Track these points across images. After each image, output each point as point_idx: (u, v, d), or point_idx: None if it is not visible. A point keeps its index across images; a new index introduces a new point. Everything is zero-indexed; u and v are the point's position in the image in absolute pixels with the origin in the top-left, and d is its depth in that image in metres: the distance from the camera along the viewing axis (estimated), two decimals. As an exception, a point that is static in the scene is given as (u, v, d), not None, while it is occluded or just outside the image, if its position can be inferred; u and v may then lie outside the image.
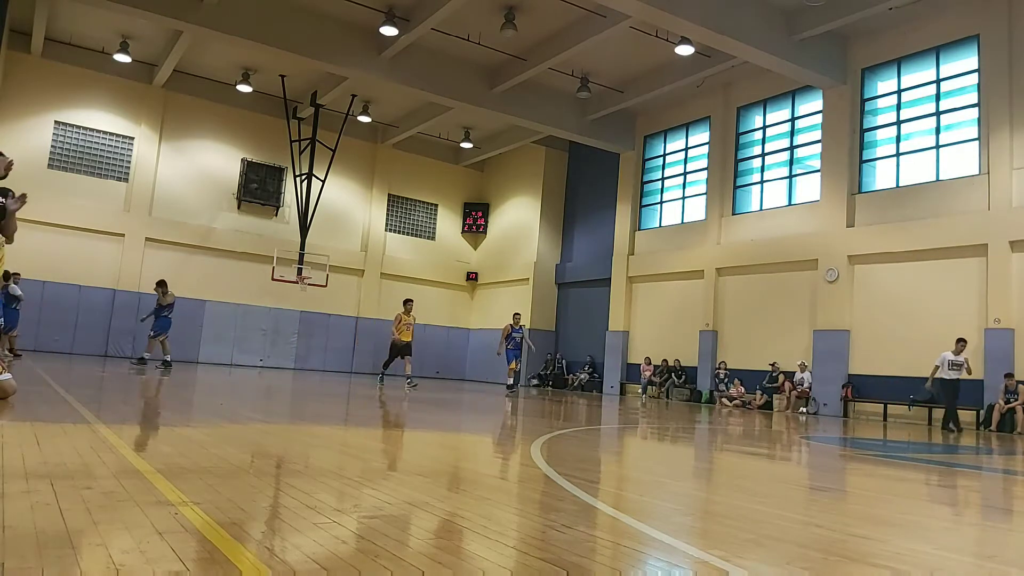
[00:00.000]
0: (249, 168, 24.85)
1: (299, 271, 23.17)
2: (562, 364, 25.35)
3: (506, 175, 29.01)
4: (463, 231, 29.72)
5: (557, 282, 26.94)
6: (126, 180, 22.91)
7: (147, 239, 22.98)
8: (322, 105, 23.39)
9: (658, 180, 23.79)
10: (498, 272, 28.35)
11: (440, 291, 28.87)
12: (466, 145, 26.85)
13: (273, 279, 22.88)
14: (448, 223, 29.50)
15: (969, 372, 13.36)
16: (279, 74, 22.23)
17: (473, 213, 29.62)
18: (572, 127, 22.79)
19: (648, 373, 21.56)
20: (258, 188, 24.97)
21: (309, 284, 23.18)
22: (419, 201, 28.77)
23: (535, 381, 25.35)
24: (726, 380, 19.39)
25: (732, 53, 17.09)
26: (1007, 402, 13.89)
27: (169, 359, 15.73)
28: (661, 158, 23.77)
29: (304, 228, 23.72)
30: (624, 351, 23.25)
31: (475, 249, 29.95)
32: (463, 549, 2.29)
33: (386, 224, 27.83)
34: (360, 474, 3.72)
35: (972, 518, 3.99)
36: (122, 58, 21.00)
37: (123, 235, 22.60)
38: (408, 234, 28.47)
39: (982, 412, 14.56)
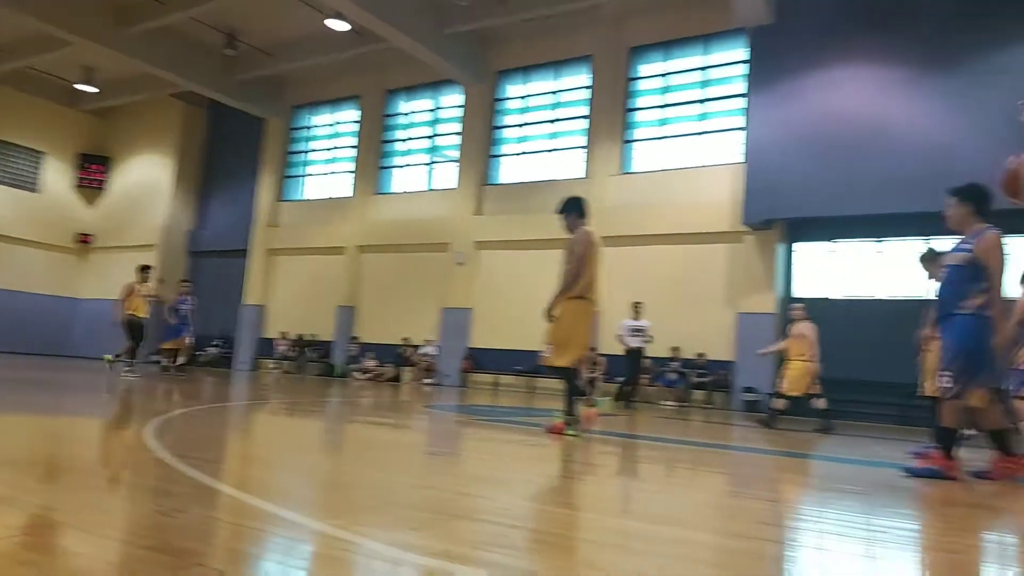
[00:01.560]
0: None
1: None
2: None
3: (134, 127, 25.93)
4: (77, 185, 25.97)
5: (189, 250, 24.98)
6: None
7: None
8: None
9: (305, 152, 23.39)
10: (119, 235, 25.34)
11: (43, 253, 24.93)
12: (86, 88, 23.38)
13: None
14: (57, 175, 25.50)
15: (651, 339, 13.04)
16: None
17: (90, 166, 25.98)
18: (214, 85, 21.25)
19: (283, 348, 21.18)
20: None
21: None
22: (19, 146, 24.40)
23: (156, 357, 23.25)
24: (359, 354, 19.89)
25: (384, 36, 17.41)
26: (591, 373, 16.39)
27: None
28: (309, 129, 23.40)
29: None
30: (259, 325, 22.52)
31: (91, 207, 26.40)
32: (54, 545, 2.07)
33: (-30, 169, 23.19)
34: (-80, 469, 3.12)
35: (561, 472, 4.68)
36: None
37: None
38: (2, 183, 24.04)
39: (575, 382, 16.97)
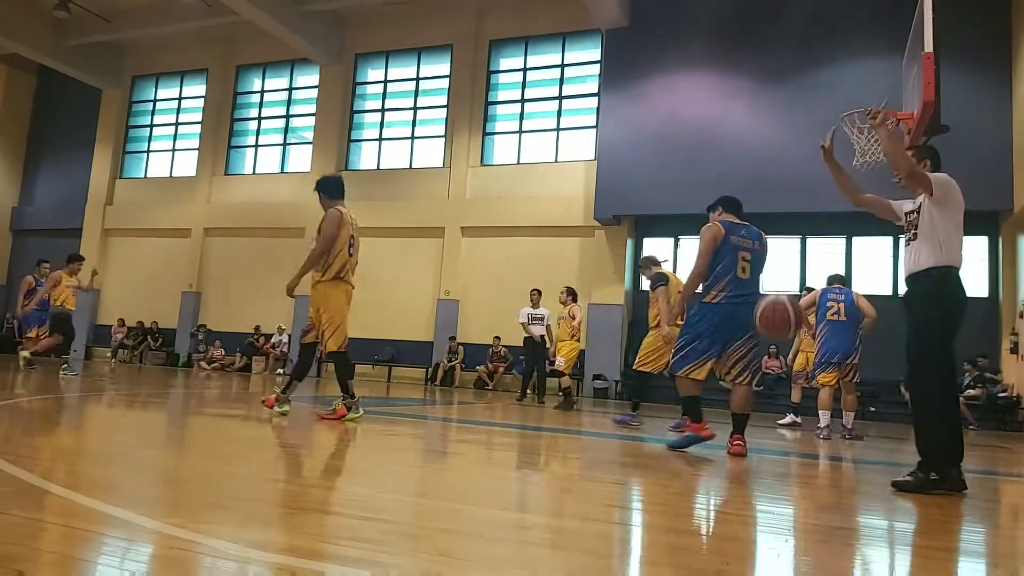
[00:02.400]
0: None
1: None
2: (13, 325, 21.56)
3: (-53, 91, 23.32)
4: None
5: (12, 228, 22.87)
6: None
7: None
8: None
9: (147, 126, 21.91)
10: (-76, 209, 22.76)
11: None
12: None
13: None
14: None
15: (548, 330, 11.82)
16: None
17: None
18: (45, 49, 19.47)
19: (120, 336, 19.79)
20: None
21: None
22: None
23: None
24: (205, 342, 18.93)
25: (235, 9, 16.58)
26: (449, 361, 16.48)
27: None
28: (152, 103, 21.93)
29: None
30: (93, 311, 20.92)
31: None
32: None
33: None
34: None
35: (414, 461, 4.67)
36: None
37: None
38: None
39: (430, 369, 17.01)
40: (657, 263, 8.31)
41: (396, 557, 2.10)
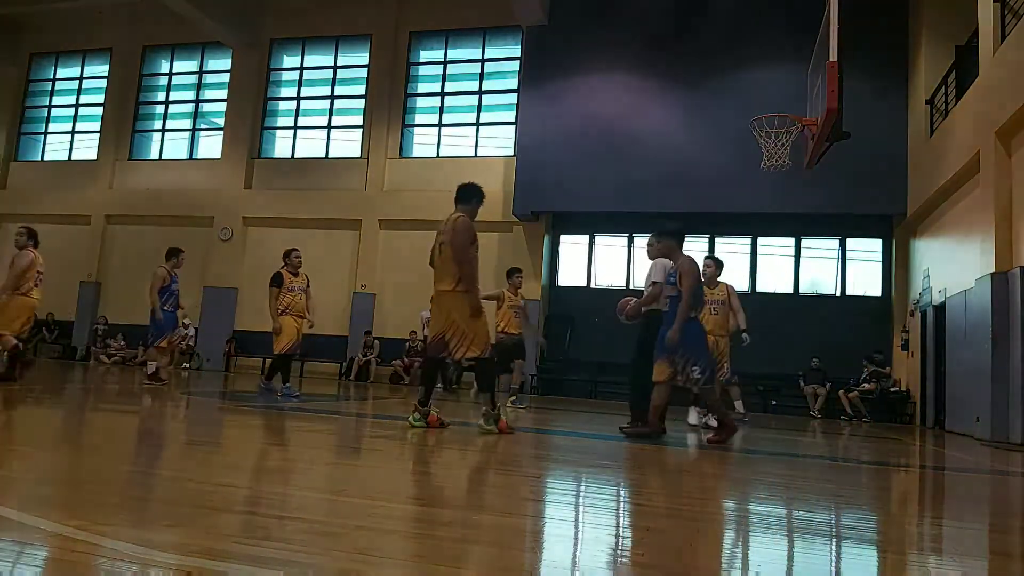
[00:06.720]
0: None
1: None
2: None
3: None
4: None
5: None
6: None
7: None
8: None
9: (45, 107, 20.73)
10: None
11: None
12: None
13: None
14: None
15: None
16: None
17: None
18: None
19: (11, 327, 18.64)
20: None
21: None
22: None
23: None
24: (105, 335, 18.06)
25: (141, -14, 15.88)
26: (364, 355, 16.27)
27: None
28: (51, 82, 20.76)
29: None
30: (-21, 301, 19.65)
31: None
32: None
33: None
34: None
35: (328, 458, 4.59)
36: None
37: None
38: None
39: (344, 364, 16.75)
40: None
41: (313, 556, 2.06)
